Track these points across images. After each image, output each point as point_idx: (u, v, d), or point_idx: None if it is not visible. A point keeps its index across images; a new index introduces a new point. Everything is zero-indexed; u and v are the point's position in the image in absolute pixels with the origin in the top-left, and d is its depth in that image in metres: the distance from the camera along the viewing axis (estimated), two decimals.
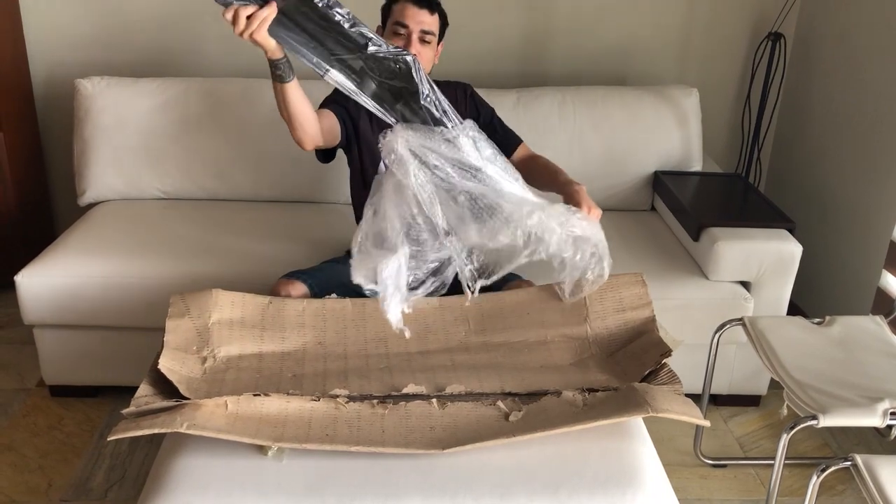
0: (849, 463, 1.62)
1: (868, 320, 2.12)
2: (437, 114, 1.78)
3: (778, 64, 2.95)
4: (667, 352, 1.72)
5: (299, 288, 2.00)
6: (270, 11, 1.58)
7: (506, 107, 2.76)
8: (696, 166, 2.85)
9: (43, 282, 2.30)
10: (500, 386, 1.68)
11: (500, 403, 1.63)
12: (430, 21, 2.04)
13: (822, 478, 1.63)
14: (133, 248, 2.42)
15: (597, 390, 1.66)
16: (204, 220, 2.64)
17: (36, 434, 2.35)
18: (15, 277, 2.30)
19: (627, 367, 1.76)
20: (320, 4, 1.54)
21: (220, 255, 2.39)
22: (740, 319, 2.12)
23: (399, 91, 1.74)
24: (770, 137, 3.25)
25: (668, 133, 2.80)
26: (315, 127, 1.92)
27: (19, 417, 2.42)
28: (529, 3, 3.03)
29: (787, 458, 1.80)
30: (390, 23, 2.06)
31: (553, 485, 1.50)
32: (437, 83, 2.16)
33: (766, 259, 2.34)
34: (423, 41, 2.04)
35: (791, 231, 2.42)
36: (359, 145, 2.18)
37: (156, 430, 1.46)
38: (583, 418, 1.55)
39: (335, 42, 1.61)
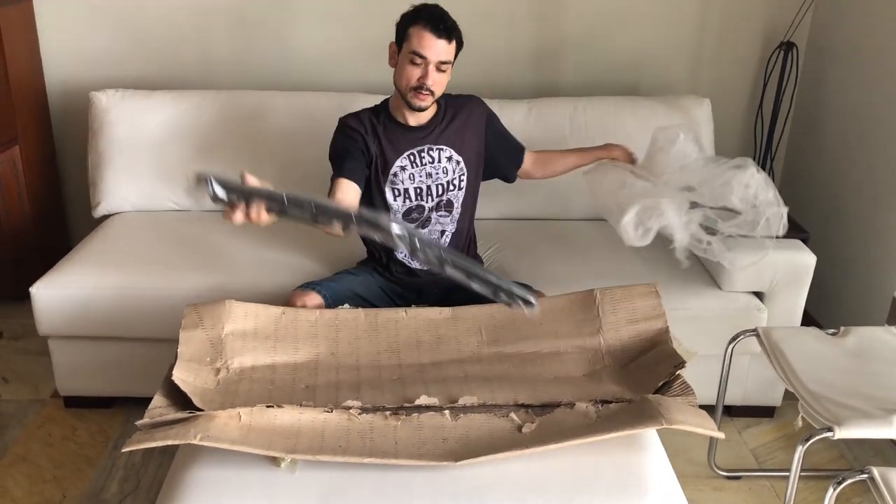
0: (865, 476, 1.60)
1: (883, 331, 2.10)
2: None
3: (790, 73, 2.95)
4: (680, 363, 1.71)
5: (314, 298, 2.01)
6: (258, 204, 1.58)
7: (517, 117, 2.77)
8: None
9: (58, 293, 2.31)
10: (512, 397, 1.67)
11: (513, 415, 1.63)
12: (447, 51, 2.01)
13: (838, 490, 1.62)
14: (147, 260, 2.43)
15: (610, 402, 1.66)
16: (217, 232, 2.65)
17: (50, 445, 2.36)
18: (30, 289, 2.31)
19: (641, 379, 1.75)
20: (311, 209, 1.58)
21: (234, 266, 2.40)
22: (754, 330, 2.10)
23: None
24: (783, 147, 3.23)
25: None
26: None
27: (34, 428, 2.43)
28: (541, 13, 3.03)
29: (802, 470, 1.78)
30: (406, 49, 2.02)
31: (566, 497, 1.49)
32: (449, 97, 2.19)
33: (780, 269, 2.33)
34: (438, 70, 2.02)
35: (805, 241, 2.41)
36: (373, 173, 2.15)
37: (169, 442, 1.46)
38: (596, 430, 1.54)
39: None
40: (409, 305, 2.21)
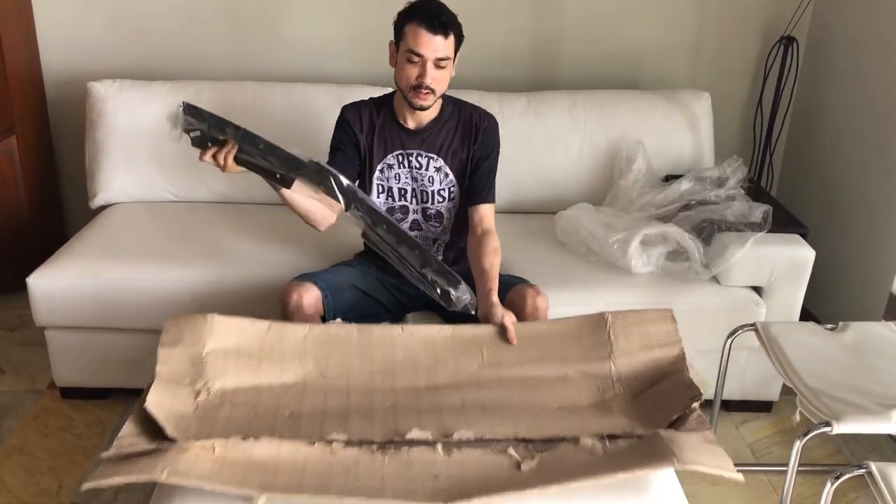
0: (863, 470, 1.60)
1: (881, 326, 2.11)
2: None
3: (790, 68, 2.94)
4: (697, 395, 1.59)
5: (311, 290, 2.00)
6: (230, 147, 1.77)
7: (516, 111, 2.76)
8: None
9: (54, 284, 2.31)
10: (513, 430, 1.56)
11: (511, 451, 1.51)
12: (444, 47, 1.95)
13: (836, 485, 1.62)
14: (144, 251, 2.42)
15: (618, 437, 1.54)
16: (214, 223, 2.64)
17: (46, 436, 2.36)
18: (27, 279, 2.31)
19: (653, 411, 1.63)
20: (261, 146, 1.78)
21: (231, 257, 2.40)
22: (752, 325, 2.10)
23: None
24: (782, 142, 3.23)
25: (679, 137, 2.79)
26: (321, 212, 2.00)
27: (30, 419, 2.43)
28: (540, 7, 3.02)
29: (799, 465, 1.78)
30: (403, 48, 1.98)
31: (565, 492, 1.48)
32: (464, 105, 2.15)
33: (779, 264, 2.33)
34: (437, 67, 1.97)
35: (804, 236, 2.40)
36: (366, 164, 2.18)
37: (134, 478, 1.35)
38: (602, 469, 1.43)
39: (281, 164, 1.81)
40: (406, 297, 2.20)
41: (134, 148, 2.73)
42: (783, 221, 2.46)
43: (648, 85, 3.11)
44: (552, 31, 3.06)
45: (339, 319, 1.88)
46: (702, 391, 1.60)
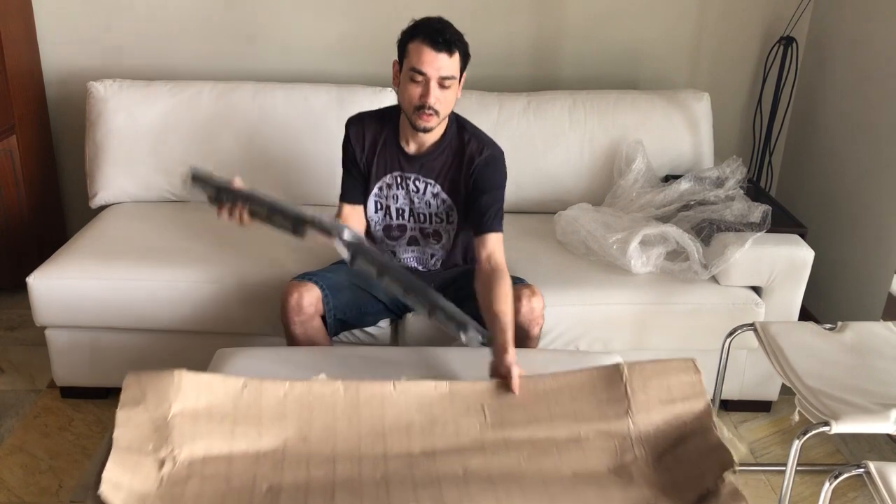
0: (862, 470, 1.60)
1: (880, 326, 2.11)
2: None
3: (790, 68, 2.94)
4: (728, 463, 1.41)
5: (311, 289, 2.00)
6: (241, 205, 1.76)
7: (516, 110, 2.76)
8: None
9: (55, 283, 2.31)
10: None
11: None
12: (449, 65, 1.87)
13: (834, 485, 1.62)
14: (144, 251, 2.43)
15: None
16: (214, 223, 2.63)
17: (46, 435, 2.36)
18: (27, 279, 2.31)
19: (679, 478, 1.47)
20: (266, 207, 1.77)
21: (231, 257, 2.40)
22: (752, 325, 2.10)
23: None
24: (782, 142, 3.23)
25: (679, 137, 2.80)
26: None
27: (30, 418, 2.43)
28: (540, 7, 3.03)
29: (798, 465, 1.78)
30: (406, 66, 1.90)
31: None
32: (474, 133, 2.06)
33: (778, 264, 2.33)
34: (441, 86, 1.88)
35: (803, 236, 2.41)
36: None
37: None
38: None
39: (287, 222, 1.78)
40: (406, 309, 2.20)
41: (134, 148, 2.73)
42: (782, 221, 2.47)
43: (648, 85, 3.11)
44: (552, 30, 3.06)
45: (322, 375, 1.65)
46: (734, 458, 1.42)
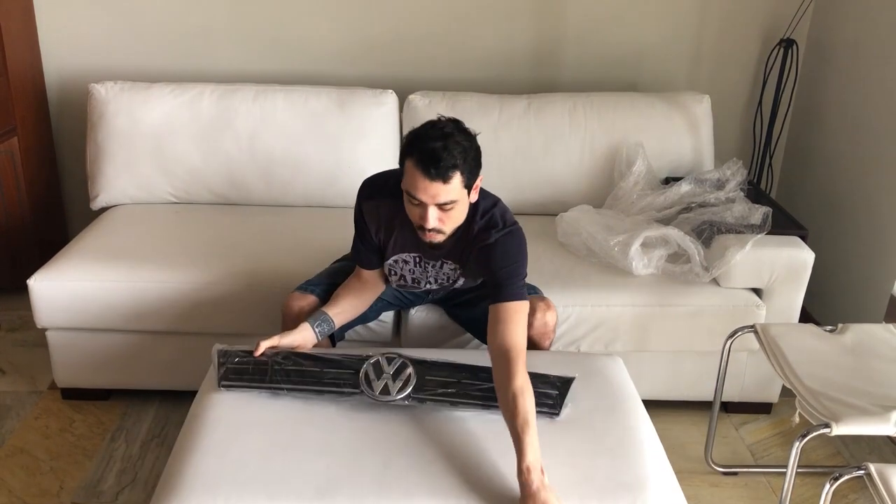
0: (862, 472, 1.61)
1: (881, 328, 2.11)
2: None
3: (790, 70, 2.95)
4: None
5: (312, 301, 2.02)
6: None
7: (516, 113, 2.76)
8: None
9: (56, 285, 2.31)
10: None
11: None
12: (446, 192, 1.68)
13: (835, 486, 1.62)
14: (145, 252, 2.43)
15: None
16: (215, 225, 2.65)
17: (47, 436, 2.36)
18: (28, 281, 2.31)
19: None
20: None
21: (231, 258, 2.40)
22: (752, 326, 2.11)
23: None
24: (782, 144, 3.23)
25: (679, 139, 2.80)
26: (364, 306, 2.04)
27: (31, 420, 2.43)
28: (541, 9, 3.03)
29: (798, 467, 1.79)
30: (404, 183, 1.74)
31: (563, 491, 1.50)
32: (479, 211, 1.86)
33: (779, 266, 2.33)
34: (442, 209, 1.73)
35: (803, 238, 2.41)
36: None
37: None
38: None
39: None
40: (411, 294, 2.18)
41: (135, 150, 2.74)
42: (783, 223, 2.47)
43: (648, 87, 3.12)
44: (553, 33, 3.07)
45: None
46: None
